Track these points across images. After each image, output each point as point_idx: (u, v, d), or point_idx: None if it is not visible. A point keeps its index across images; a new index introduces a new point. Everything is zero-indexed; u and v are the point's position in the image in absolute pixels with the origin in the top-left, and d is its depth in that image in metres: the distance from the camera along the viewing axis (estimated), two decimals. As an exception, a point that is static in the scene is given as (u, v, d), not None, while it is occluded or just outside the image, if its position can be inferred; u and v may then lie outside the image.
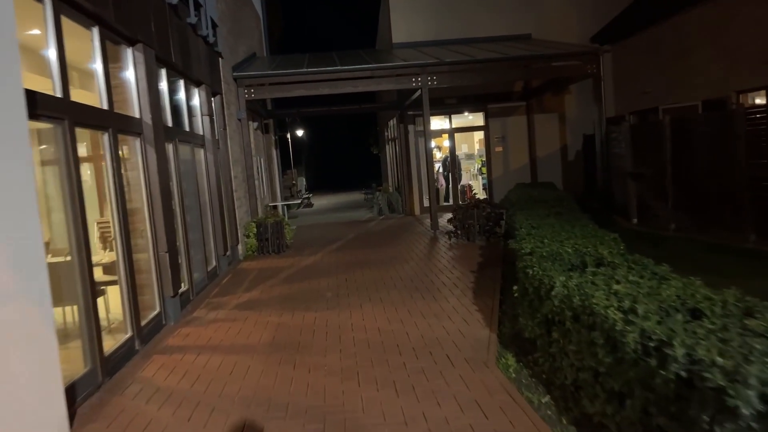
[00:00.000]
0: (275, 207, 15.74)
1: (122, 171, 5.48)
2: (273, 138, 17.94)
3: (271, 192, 15.91)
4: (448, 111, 16.33)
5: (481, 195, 17.65)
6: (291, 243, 11.48)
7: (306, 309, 6.60)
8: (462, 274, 7.89)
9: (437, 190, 17.20)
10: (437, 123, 18.19)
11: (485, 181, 17.85)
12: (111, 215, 5.19)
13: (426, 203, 16.53)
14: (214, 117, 9.89)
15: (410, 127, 16.26)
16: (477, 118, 17.15)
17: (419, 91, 12.43)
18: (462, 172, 18.10)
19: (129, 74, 5.94)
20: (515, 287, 4.91)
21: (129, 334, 5.21)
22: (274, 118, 18.19)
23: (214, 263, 8.93)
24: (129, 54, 5.93)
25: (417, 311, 6.17)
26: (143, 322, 5.56)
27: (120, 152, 5.51)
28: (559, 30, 15.52)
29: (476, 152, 18.78)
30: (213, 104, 9.89)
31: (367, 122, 32.23)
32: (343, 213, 19.83)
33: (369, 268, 8.83)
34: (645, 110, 15.11)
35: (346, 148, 48.74)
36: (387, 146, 20.68)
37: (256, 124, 14.04)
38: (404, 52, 13.94)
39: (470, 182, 18.26)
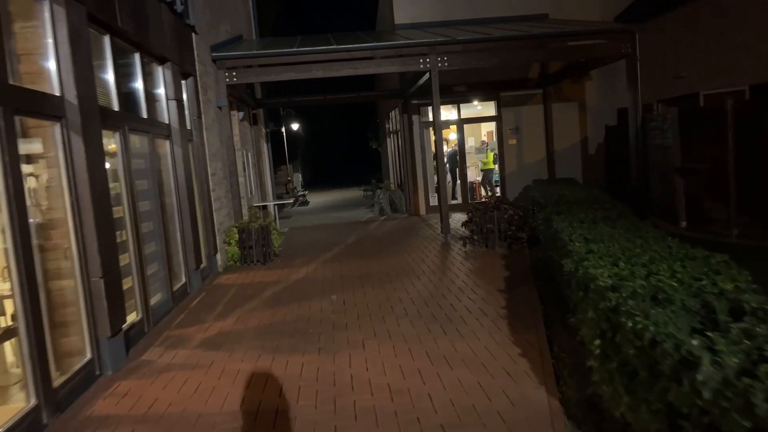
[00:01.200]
0: (265, 207, 14.16)
1: (23, 166, 3.89)
2: (263, 130, 16.34)
3: (260, 190, 14.32)
4: (456, 100, 14.72)
5: (485, 193, 16.09)
6: (280, 250, 9.90)
7: (291, 349, 5.02)
8: (488, 295, 6.32)
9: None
10: (443, 113, 16.59)
11: (497, 177, 16.27)
12: (2, 229, 3.60)
13: (432, 202, 14.96)
14: (186, 103, 8.29)
15: (415, 118, 14.65)
16: (488, 108, 15.55)
17: (426, 75, 10.84)
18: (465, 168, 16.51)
19: (43, 36, 4.34)
20: (596, 342, 3.31)
21: (32, 403, 3.63)
22: (265, 108, 16.58)
23: (183, 280, 7.35)
24: (45, 8, 4.33)
25: (439, 355, 4.59)
26: (59, 380, 3.98)
27: (25, 141, 3.93)
28: (578, 10, 13.91)
29: (487, 145, 17.13)
30: (184, 87, 8.29)
31: (366, 113, 30.67)
32: (340, 212, 18.24)
33: (372, 284, 7.26)
34: (677, 98, 13.53)
35: (343, 142, 47.18)
36: (388, 139, 19.08)
37: (241, 114, 12.44)
38: (409, 33, 12.32)
39: (478, 179, 16.66)
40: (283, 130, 30.56)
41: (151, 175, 6.46)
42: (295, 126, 31.74)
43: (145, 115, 6.47)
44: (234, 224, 9.52)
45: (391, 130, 18.21)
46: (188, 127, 8.22)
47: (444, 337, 5.01)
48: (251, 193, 13.09)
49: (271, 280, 8.03)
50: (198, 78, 8.69)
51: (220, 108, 9.94)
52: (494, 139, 17.56)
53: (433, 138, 17.61)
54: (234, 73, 9.97)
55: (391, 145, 18.62)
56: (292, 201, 14.92)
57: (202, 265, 8.05)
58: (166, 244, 6.71)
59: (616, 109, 14.83)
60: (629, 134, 10.71)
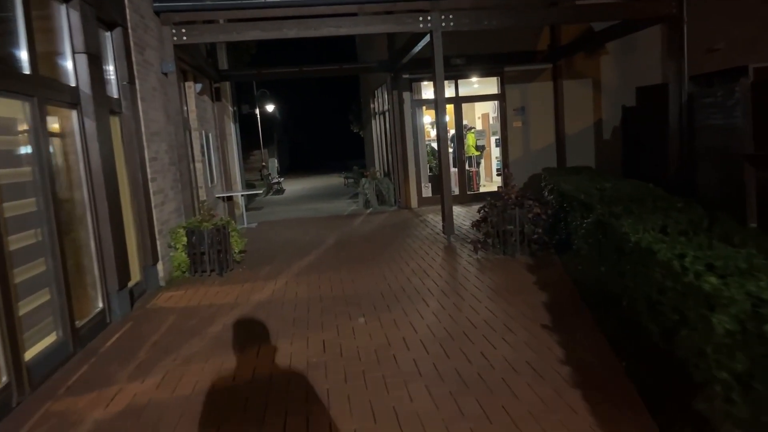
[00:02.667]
0: (230, 198, 12.06)
1: None
2: (230, 108, 14.16)
3: (225, 179, 12.20)
4: (452, 75, 12.68)
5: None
6: (242, 256, 7.86)
7: (236, 452, 3.03)
8: (531, 336, 4.38)
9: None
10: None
11: (498, 164, 14.35)
12: None
13: (426, 193, 13.00)
14: (112, 63, 6.17)
15: (406, 95, 12.63)
16: (489, 85, 13.59)
17: (424, 40, 8.84)
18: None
19: None
20: None
21: None
22: (232, 82, 14.37)
23: (99, 306, 5.28)
24: None
25: (490, 476, 2.64)
26: None
27: None
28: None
29: (469, 128, 15.17)
30: (109, 42, 6.16)
31: (347, 93, 28.48)
32: (319, 203, 16.18)
33: (363, 313, 5.28)
34: (709, 74, 11.72)
35: (324, 126, 44.97)
36: (372, 122, 17.02)
37: (199, 87, 10.29)
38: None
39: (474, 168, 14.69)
40: (257, 111, 28.28)
41: (38, 159, 4.35)
42: (270, 108, 29.43)
43: (26, 71, 4.34)
44: (182, 224, 7.43)
45: (376, 110, 16.15)
46: (115, 96, 6.12)
47: (488, 429, 3.06)
48: (212, 181, 10.99)
49: (226, 301, 5.99)
50: (130, 31, 6.54)
51: (165, 74, 7.81)
52: (491, 121, 15.67)
53: (429, 118, 15.66)
54: (183, 30, 7.82)
55: (376, 127, 16.56)
56: (262, 191, 12.74)
57: (132, 282, 5.98)
58: (66, 259, 4.62)
59: (635, 87, 13.02)
60: (670, 113, 8.84)
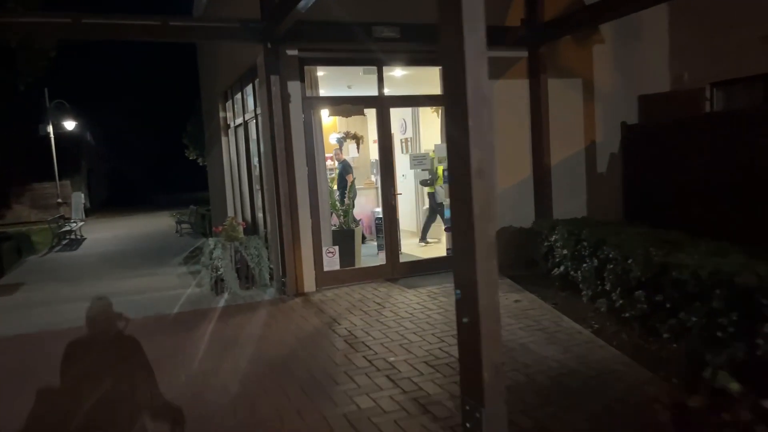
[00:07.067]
0: None
1: None
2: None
3: None
4: (373, 58, 7.20)
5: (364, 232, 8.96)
6: None
7: None
8: None
9: (354, 230, 7.96)
10: (340, 84, 9.14)
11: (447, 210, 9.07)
12: None
13: (330, 265, 7.20)
14: None
15: (293, 88, 6.87)
16: (427, 78, 8.30)
17: None
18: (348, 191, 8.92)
19: None
20: None
21: None
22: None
23: None
24: None
25: None
26: None
27: None
28: None
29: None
30: None
31: (186, 103, 21.63)
32: (133, 274, 9.46)
33: None
34: (762, 75, 7.64)
35: (153, 149, 37.08)
36: (223, 140, 10.82)
37: None
38: None
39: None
40: (51, 130, 20.31)
41: None
42: (70, 125, 21.46)
43: None
44: None
45: (231, 122, 10.08)
46: None
47: None
48: None
49: None
50: None
51: None
52: (396, 148, 10.47)
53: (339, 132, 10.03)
54: None
55: (230, 150, 10.45)
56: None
57: None
58: None
59: (638, 96, 8.65)
60: None
